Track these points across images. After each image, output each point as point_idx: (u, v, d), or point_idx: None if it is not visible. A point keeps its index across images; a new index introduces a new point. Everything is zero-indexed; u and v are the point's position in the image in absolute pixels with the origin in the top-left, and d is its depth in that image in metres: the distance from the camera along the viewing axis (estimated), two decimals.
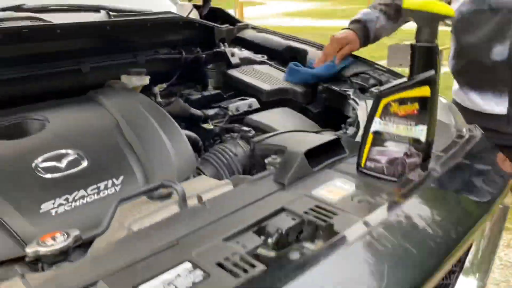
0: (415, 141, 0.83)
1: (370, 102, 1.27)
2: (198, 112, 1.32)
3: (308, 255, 0.65)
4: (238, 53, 1.69)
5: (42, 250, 0.64)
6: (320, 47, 1.67)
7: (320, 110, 1.46)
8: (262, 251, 0.66)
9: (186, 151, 1.07)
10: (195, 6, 1.97)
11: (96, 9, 1.62)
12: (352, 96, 1.33)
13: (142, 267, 0.61)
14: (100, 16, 1.51)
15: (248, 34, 1.86)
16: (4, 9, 1.39)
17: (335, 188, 0.83)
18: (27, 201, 0.81)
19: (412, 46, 0.79)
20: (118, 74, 1.41)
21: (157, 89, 1.49)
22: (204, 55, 1.63)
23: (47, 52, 1.30)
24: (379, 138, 0.86)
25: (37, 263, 0.66)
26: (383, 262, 0.66)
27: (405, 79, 0.82)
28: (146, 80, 1.40)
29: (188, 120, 1.33)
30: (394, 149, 0.85)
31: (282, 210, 0.76)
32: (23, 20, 1.30)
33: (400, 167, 0.85)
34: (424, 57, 0.78)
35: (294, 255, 0.65)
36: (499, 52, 1.35)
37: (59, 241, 0.65)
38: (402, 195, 0.78)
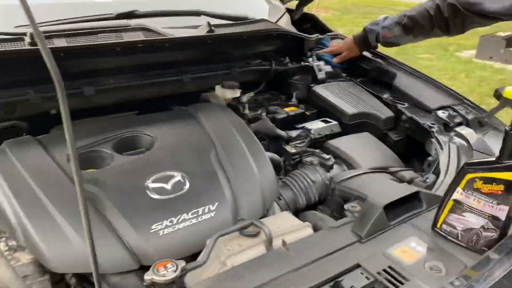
0: (494, 218, 0.86)
1: (453, 147, 1.28)
2: (282, 133, 1.40)
3: None
4: (324, 67, 1.73)
5: (157, 279, 0.77)
6: (409, 71, 1.66)
7: (401, 138, 1.48)
8: None
9: (271, 177, 1.16)
10: (287, 10, 2.02)
11: (196, 13, 1.73)
12: (435, 134, 1.34)
13: None
14: (200, 22, 1.62)
15: None
16: (119, 16, 1.53)
17: (409, 248, 0.89)
18: (140, 219, 0.95)
19: (506, 131, 0.81)
20: (212, 85, 1.52)
21: (245, 98, 1.58)
22: (292, 67, 1.69)
23: (155, 63, 1.43)
24: (458, 207, 0.90)
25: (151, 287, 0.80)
26: None
27: (493, 158, 0.85)
28: (238, 93, 1.51)
29: (272, 139, 1.42)
30: (472, 220, 0.89)
31: (357, 266, 0.84)
32: (136, 31, 1.44)
33: (475, 237, 0.89)
34: None
35: None
36: None
37: (170, 272, 0.79)
38: (473, 270, 0.83)
